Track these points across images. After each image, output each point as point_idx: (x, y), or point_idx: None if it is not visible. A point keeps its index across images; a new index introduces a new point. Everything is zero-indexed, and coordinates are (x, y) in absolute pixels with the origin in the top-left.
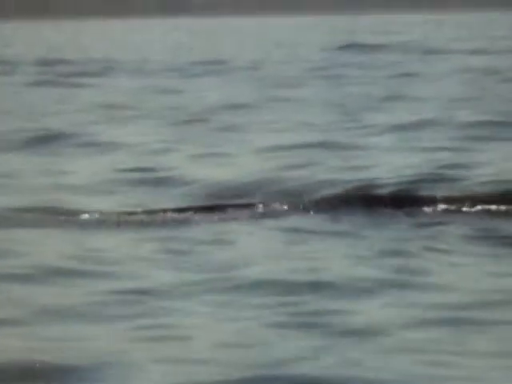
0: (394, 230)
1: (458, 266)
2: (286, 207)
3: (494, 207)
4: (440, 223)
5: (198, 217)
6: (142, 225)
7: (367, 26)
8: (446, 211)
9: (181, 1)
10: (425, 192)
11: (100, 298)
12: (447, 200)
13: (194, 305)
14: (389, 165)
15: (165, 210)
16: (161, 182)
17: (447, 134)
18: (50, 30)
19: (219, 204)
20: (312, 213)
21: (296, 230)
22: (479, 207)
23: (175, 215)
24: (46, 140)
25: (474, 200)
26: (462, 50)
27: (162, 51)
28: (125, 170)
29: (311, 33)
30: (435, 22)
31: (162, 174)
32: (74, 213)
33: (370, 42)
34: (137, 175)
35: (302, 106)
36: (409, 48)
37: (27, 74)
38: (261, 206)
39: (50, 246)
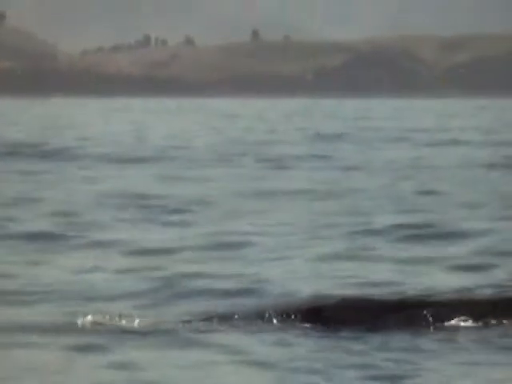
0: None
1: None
2: (247, 319)
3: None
4: (426, 334)
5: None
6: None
7: (349, 110)
8: (431, 320)
9: (171, 80)
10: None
11: None
12: (433, 305)
13: None
14: (339, 272)
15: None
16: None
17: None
18: (36, 108)
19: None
20: (276, 324)
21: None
22: (462, 316)
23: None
24: None
25: (458, 306)
26: (444, 140)
27: (137, 132)
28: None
29: (293, 117)
30: (427, 108)
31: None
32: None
33: (340, 130)
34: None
35: (256, 200)
36: (380, 136)
37: None
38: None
39: None
